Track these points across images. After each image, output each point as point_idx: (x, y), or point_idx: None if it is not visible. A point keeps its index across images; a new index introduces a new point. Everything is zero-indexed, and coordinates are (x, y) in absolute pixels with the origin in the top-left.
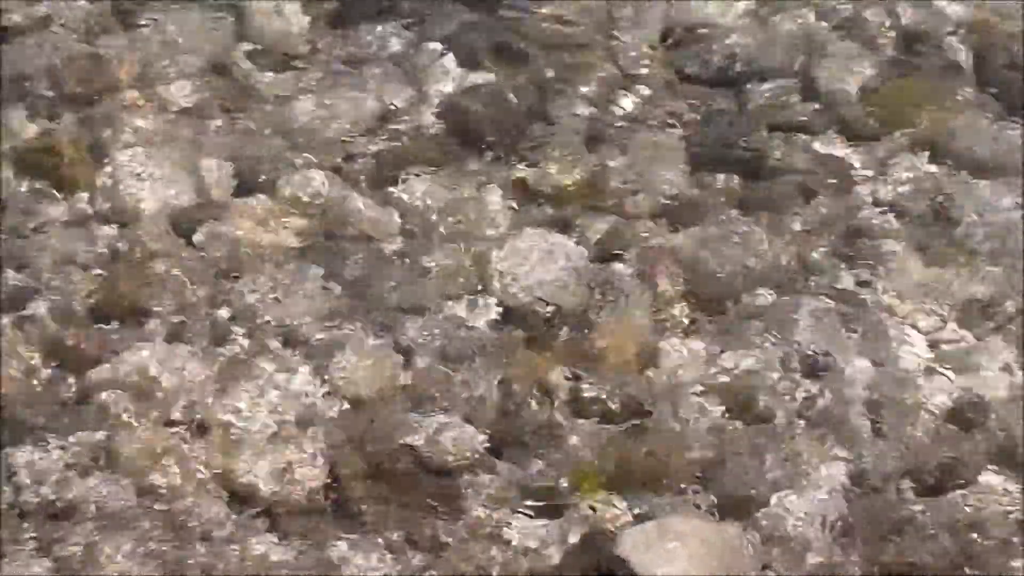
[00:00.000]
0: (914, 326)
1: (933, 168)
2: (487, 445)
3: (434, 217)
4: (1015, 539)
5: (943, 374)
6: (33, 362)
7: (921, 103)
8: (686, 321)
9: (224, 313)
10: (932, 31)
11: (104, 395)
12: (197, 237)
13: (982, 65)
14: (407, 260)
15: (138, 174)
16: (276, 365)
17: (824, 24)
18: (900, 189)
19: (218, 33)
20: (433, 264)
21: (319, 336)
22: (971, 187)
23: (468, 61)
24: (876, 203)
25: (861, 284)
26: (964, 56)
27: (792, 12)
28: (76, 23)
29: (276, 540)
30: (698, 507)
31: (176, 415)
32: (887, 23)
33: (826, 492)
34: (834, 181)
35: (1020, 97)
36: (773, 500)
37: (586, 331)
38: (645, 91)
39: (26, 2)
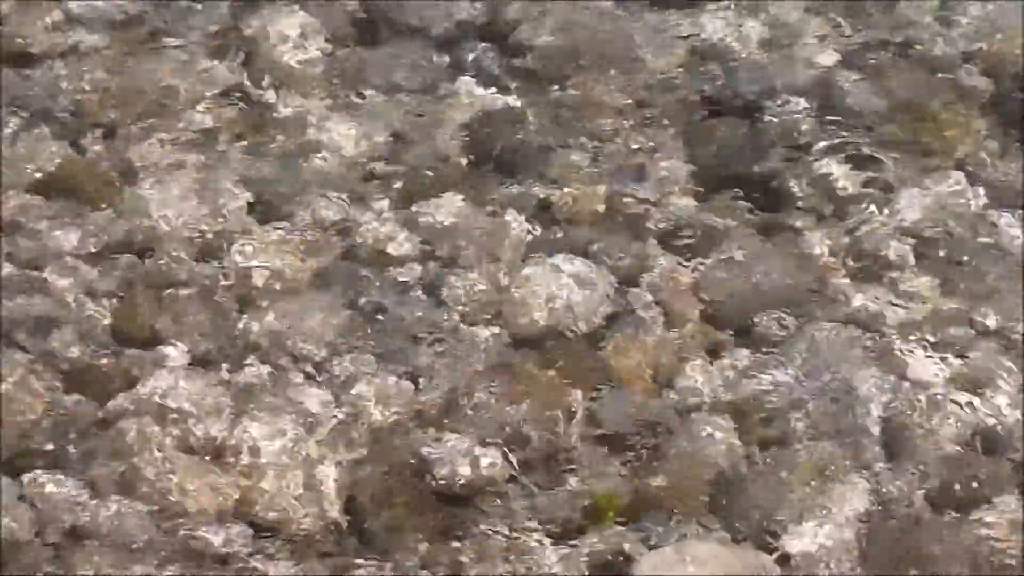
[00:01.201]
0: (930, 350)
1: (947, 192)
2: (503, 470)
3: (453, 242)
4: None
5: (960, 398)
6: (53, 389)
7: (937, 129)
8: (703, 345)
9: (243, 340)
10: (949, 58)
11: (123, 422)
12: (216, 263)
13: (998, 93)
14: (425, 285)
15: (158, 200)
16: (294, 391)
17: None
18: (915, 213)
19: (238, 59)
20: (451, 289)
21: (337, 362)
22: (984, 212)
23: (489, 86)
24: (891, 227)
25: (877, 307)
26: (980, 83)
27: (807, 40)
28: (103, 51)
29: (294, 565)
30: (715, 531)
31: (195, 441)
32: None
33: (844, 516)
34: (849, 205)
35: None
36: (790, 524)
37: (603, 355)
38: (663, 114)
39: (52, 30)
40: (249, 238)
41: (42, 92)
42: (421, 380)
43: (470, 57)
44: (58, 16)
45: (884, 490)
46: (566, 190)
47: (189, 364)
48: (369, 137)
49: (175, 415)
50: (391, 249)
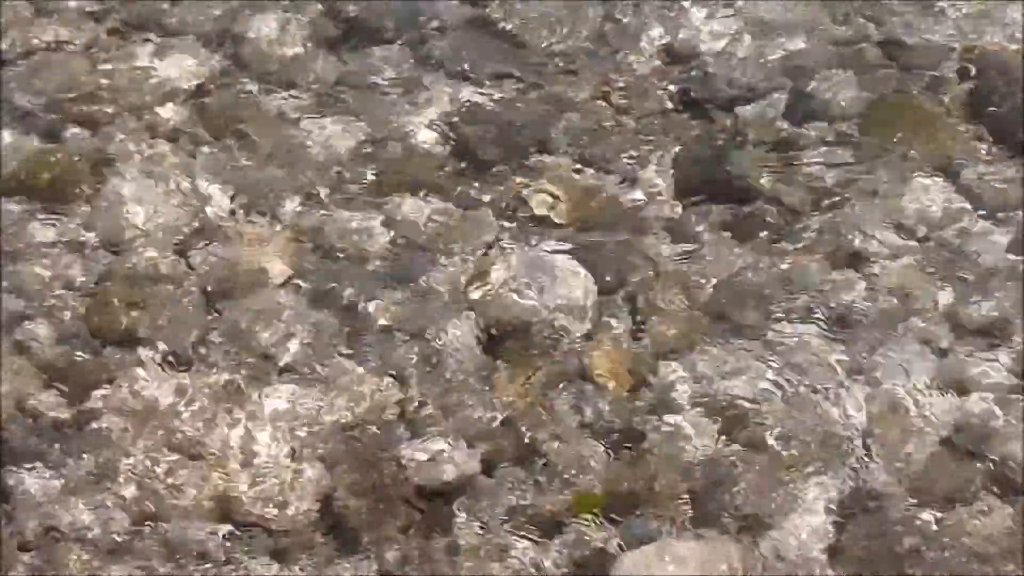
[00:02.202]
0: (911, 349)
1: (929, 191)
2: (482, 467)
3: (431, 238)
4: (1013, 564)
5: (941, 398)
6: (30, 386)
7: (914, 129)
8: (683, 343)
9: (220, 337)
10: (928, 60)
11: (101, 419)
12: (193, 260)
13: (976, 95)
14: (402, 282)
15: (135, 197)
16: (271, 388)
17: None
18: (896, 212)
19: (217, 56)
20: (430, 286)
21: (315, 360)
22: (964, 212)
23: (466, 82)
24: (870, 226)
25: (857, 306)
26: (959, 85)
27: (784, 37)
28: (78, 47)
29: (273, 562)
30: (695, 529)
31: (172, 439)
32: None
33: (823, 514)
34: (829, 203)
35: (1014, 126)
36: (770, 522)
37: (583, 353)
38: (640, 112)
39: (29, 26)
40: (227, 234)
41: (17, 87)
42: (399, 378)
43: (449, 53)
44: (32, 11)
45: (863, 488)
46: (547, 187)
47: (166, 361)
48: (348, 134)
49: (152, 412)
50: (368, 246)
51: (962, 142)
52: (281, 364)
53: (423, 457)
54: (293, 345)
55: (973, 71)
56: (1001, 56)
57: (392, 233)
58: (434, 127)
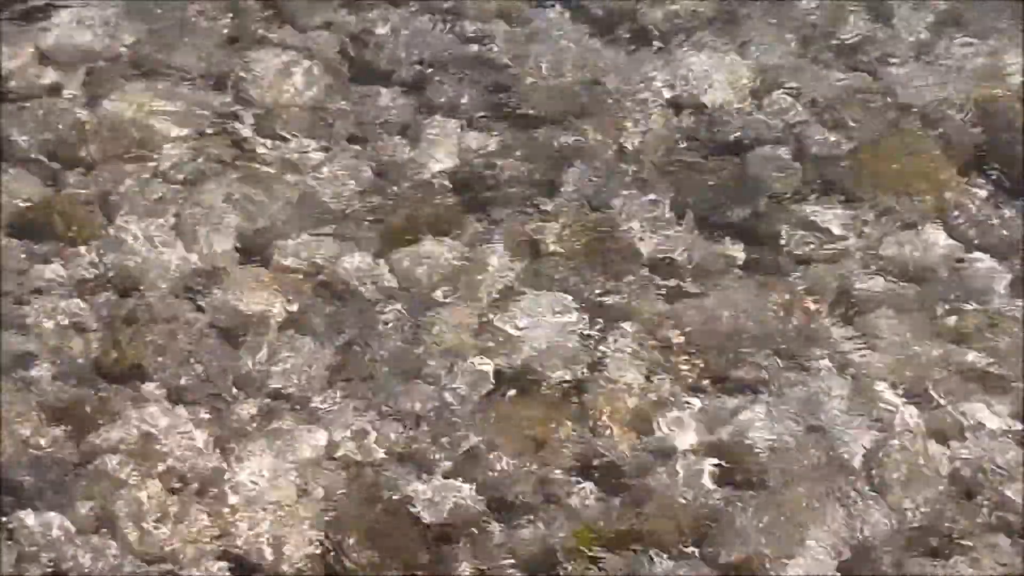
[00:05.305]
0: (912, 391)
1: (927, 237)
2: (483, 508)
3: (436, 281)
4: None
5: (942, 440)
6: (34, 426)
7: (918, 175)
8: (685, 384)
9: (225, 377)
10: (932, 107)
11: (104, 458)
12: (198, 300)
13: (983, 141)
14: (407, 324)
15: (140, 238)
16: (275, 430)
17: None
18: (900, 257)
19: (222, 99)
20: (435, 328)
21: (317, 401)
22: (962, 256)
23: (472, 125)
24: (874, 271)
25: (859, 350)
26: (964, 130)
27: (786, 87)
28: (81, 89)
29: None
30: (696, 571)
31: (175, 479)
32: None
33: (823, 556)
34: (831, 248)
35: (1014, 172)
36: (770, 564)
37: (585, 394)
38: (649, 157)
39: (32, 68)
40: (232, 275)
41: (20, 128)
42: (403, 419)
43: (455, 97)
44: (35, 53)
45: (864, 531)
46: (551, 229)
47: (171, 401)
48: (354, 175)
49: (156, 452)
50: (373, 288)
51: (962, 188)
52: (286, 404)
53: (426, 497)
54: (297, 384)
55: (974, 119)
56: (1001, 103)
57: (398, 275)
58: (440, 169)
